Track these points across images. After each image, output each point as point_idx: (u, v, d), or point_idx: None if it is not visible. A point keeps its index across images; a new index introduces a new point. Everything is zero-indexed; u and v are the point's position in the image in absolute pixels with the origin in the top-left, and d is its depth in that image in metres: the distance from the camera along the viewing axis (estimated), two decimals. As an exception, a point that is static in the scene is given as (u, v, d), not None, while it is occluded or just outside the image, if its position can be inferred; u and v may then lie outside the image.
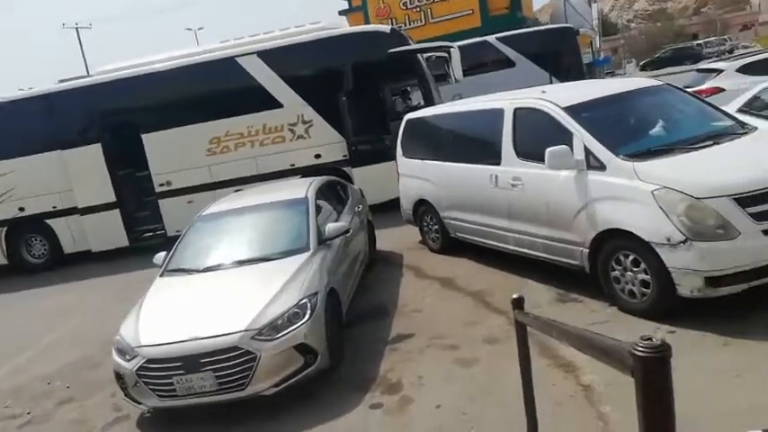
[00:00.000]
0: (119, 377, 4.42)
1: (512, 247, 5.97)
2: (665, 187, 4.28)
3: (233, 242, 5.58)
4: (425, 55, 10.55)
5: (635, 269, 4.52)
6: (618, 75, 37.06)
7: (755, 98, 7.30)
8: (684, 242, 4.13)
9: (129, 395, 4.37)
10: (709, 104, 5.88)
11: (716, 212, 4.09)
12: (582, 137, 4.90)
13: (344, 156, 10.16)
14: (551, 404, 3.62)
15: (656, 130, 5.14)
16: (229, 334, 4.10)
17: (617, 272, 4.68)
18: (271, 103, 10.10)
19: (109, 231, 10.57)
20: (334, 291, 4.90)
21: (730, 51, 35.85)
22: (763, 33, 51.09)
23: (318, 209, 5.81)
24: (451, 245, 7.11)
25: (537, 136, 5.39)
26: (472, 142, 6.69)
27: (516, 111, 5.71)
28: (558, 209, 5.14)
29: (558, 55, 16.94)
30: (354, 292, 5.91)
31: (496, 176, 5.87)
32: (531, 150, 5.44)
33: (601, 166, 4.74)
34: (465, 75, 11.23)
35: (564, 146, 4.90)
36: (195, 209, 6.85)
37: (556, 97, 5.41)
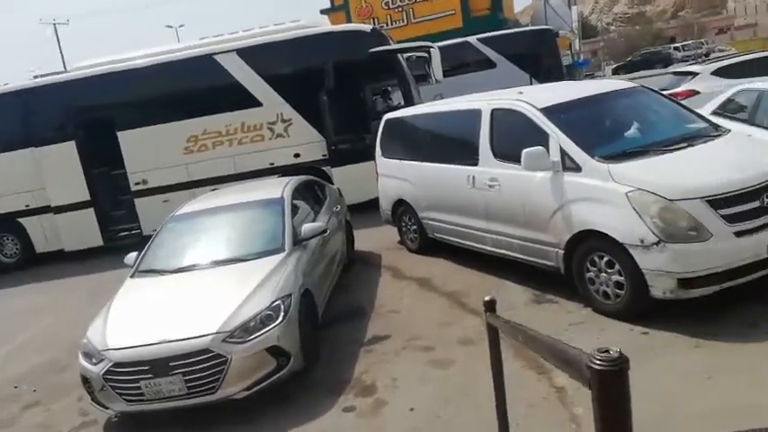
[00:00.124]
0: (85, 381, 4.31)
1: (489, 248, 5.96)
2: (639, 189, 4.29)
3: (206, 243, 5.48)
4: (406, 55, 10.52)
5: (609, 270, 4.53)
6: (597, 77, 37.49)
7: (729, 101, 7.39)
8: (657, 244, 4.15)
9: (96, 399, 4.27)
10: (684, 107, 5.93)
11: (688, 214, 4.12)
12: (558, 138, 4.90)
13: (324, 155, 10.08)
14: (524, 406, 3.61)
15: (632, 131, 5.17)
16: (200, 337, 4.02)
17: (592, 273, 4.68)
18: (250, 101, 9.99)
19: (83, 230, 10.36)
20: (309, 292, 4.84)
21: (707, 55, 36.52)
22: (739, 37, 52.21)
23: (295, 209, 5.74)
24: (430, 245, 7.09)
25: (514, 137, 5.39)
26: (450, 143, 6.67)
27: (494, 111, 5.70)
28: (534, 210, 5.14)
29: (538, 56, 17.03)
30: (332, 292, 5.86)
31: (474, 177, 5.86)
32: (507, 151, 5.43)
33: (576, 168, 4.75)
34: (446, 75, 11.24)
35: (540, 147, 4.90)
36: (171, 208, 6.73)
37: (533, 98, 5.41)
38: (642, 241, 4.21)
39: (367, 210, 8.86)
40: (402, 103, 10.35)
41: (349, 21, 25.27)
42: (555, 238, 4.95)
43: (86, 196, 10.37)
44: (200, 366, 3.96)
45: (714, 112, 7.10)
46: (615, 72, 42.01)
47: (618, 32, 68.21)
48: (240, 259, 5.00)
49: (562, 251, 4.90)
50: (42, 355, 6.07)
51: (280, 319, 4.24)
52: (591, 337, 4.37)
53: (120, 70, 10.16)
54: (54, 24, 43.07)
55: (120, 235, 10.60)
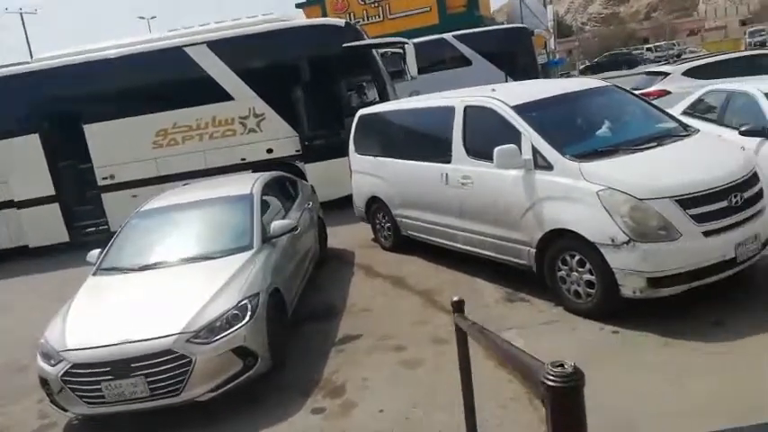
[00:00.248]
0: (44, 383, 4.15)
1: (462, 246, 5.93)
2: (610, 188, 4.29)
3: (172, 240, 5.33)
4: (381, 51, 10.42)
5: (580, 269, 4.53)
6: (572, 76, 37.96)
7: (699, 101, 7.49)
8: (628, 243, 4.15)
9: (55, 402, 4.11)
10: (655, 107, 5.97)
11: (658, 214, 4.13)
12: (530, 136, 4.88)
13: (297, 151, 9.94)
14: (494, 407, 3.58)
15: (603, 130, 5.17)
16: (163, 337, 3.89)
17: (563, 272, 4.68)
18: (221, 95, 9.79)
19: (47, 226, 10.06)
20: (279, 291, 4.73)
21: (678, 56, 37.27)
22: (709, 39, 53.42)
23: (265, 206, 5.62)
24: (403, 243, 7.03)
25: (486, 134, 5.35)
26: (424, 139, 6.62)
27: (467, 109, 5.66)
28: (506, 208, 5.11)
29: (514, 55, 17.12)
30: (303, 290, 5.76)
31: (447, 174, 5.82)
32: (480, 149, 5.39)
33: (548, 166, 4.73)
34: (422, 72, 11.17)
35: (512, 145, 4.87)
36: (140, 204, 6.55)
37: (505, 96, 5.38)
38: (613, 240, 4.22)
39: (341, 206, 8.76)
40: (377, 99, 10.27)
41: (324, 15, 25.05)
42: (527, 236, 4.94)
43: (51, 191, 10.07)
44: (164, 368, 3.84)
45: (684, 112, 7.19)
46: (583, 73, 42.97)
47: (592, 32, 69.09)
48: (207, 257, 4.87)
49: (534, 250, 4.89)
50: (1, 356, 5.86)
51: (247, 318, 4.14)
52: (562, 337, 4.37)
53: (86, 61, 9.86)
54: (21, 14, 41.88)
55: (88, 231, 10.30)
